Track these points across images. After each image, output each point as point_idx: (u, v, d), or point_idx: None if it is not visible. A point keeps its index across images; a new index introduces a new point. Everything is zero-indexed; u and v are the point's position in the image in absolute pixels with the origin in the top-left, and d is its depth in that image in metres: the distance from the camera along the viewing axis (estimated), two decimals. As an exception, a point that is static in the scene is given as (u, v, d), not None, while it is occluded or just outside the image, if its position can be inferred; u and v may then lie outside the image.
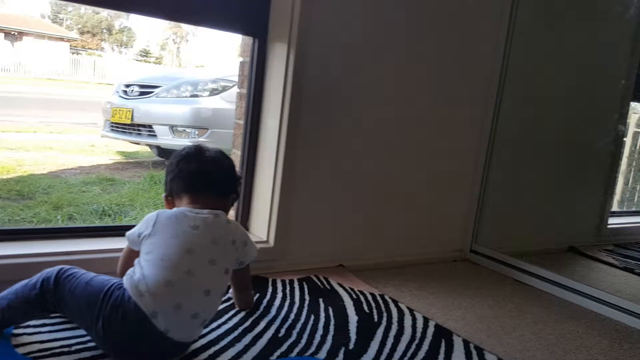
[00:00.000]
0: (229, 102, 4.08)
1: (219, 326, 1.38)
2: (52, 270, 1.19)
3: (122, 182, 3.81)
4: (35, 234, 1.61)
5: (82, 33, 29.74)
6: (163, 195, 1.39)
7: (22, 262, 1.43)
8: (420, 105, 2.11)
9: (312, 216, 1.93)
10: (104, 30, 31.80)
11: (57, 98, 8.98)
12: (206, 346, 1.27)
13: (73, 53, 20.06)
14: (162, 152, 4.82)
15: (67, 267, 1.21)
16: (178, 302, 1.13)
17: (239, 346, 1.29)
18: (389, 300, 1.72)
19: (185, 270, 1.16)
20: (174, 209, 1.29)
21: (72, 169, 4.04)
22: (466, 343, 1.47)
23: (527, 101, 2.48)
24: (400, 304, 1.69)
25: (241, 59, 1.94)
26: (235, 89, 4.00)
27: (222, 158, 1.40)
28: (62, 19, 31.12)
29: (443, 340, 1.47)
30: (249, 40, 1.89)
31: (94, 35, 31.00)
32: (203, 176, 1.36)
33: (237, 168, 1.51)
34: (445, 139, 2.23)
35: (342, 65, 1.88)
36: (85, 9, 31.44)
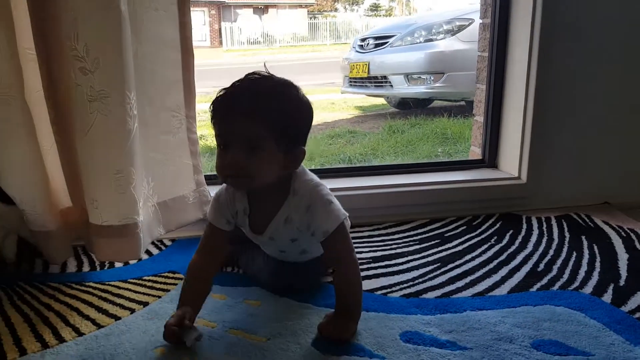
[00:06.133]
0: (465, 42, 3.90)
1: (472, 258, 1.39)
2: None
3: (363, 133, 4.00)
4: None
5: (317, -3, 31.63)
6: (300, 149, 1.08)
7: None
8: None
9: (569, 150, 1.77)
10: (337, -8, 33.28)
11: (298, 63, 9.74)
12: (461, 275, 1.29)
13: (310, 18, 21.54)
14: (399, 103, 4.89)
15: None
16: None
17: (495, 277, 1.28)
18: (668, 240, 1.50)
19: None
20: None
21: (318, 125, 4.33)
22: None
23: None
24: (682, 244, 1.47)
25: (484, -14, 1.84)
26: (473, 27, 3.83)
27: None
28: (300, -13, 33.47)
29: None
30: (491, -36, 1.77)
31: (327, -3, 32.69)
32: None
33: None
34: None
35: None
36: (319, -26, 33.17)
